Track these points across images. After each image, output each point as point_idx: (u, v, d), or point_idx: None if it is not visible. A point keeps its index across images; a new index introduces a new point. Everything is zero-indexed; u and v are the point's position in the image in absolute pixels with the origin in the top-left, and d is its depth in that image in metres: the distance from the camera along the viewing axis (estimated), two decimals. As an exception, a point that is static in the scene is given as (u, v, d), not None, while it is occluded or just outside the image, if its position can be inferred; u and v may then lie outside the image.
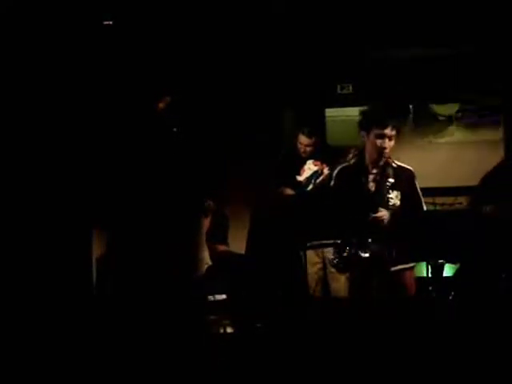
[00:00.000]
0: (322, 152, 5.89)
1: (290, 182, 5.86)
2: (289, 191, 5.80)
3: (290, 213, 4.46)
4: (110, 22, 5.79)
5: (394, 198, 4.42)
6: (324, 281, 5.59)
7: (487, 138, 6.59)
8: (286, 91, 6.52)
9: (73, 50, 5.50)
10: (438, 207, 5.44)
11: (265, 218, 4.80)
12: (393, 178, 4.41)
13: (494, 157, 5.71)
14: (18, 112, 5.30)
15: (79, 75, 5.53)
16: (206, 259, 5.41)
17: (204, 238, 5.36)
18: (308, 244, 5.26)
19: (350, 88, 6.75)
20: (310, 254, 5.56)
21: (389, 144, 4.37)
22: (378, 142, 4.37)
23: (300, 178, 5.87)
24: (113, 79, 5.71)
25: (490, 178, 4.72)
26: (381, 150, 4.37)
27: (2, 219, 5.04)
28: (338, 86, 6.75)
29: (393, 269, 4.40)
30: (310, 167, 5.84)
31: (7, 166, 5.15)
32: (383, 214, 4.34)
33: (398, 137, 4.48)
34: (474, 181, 5.07)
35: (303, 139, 5.89)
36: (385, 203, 4.38)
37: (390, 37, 6.26)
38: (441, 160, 6.53)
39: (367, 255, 4.30)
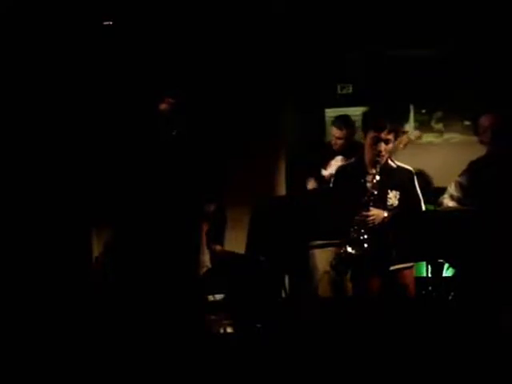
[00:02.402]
0: (352, 149, 5.57)
1: (314, 175, 5.74)
2: (312, 184, 5.69)
3: (304, 208, 4.40)
4: (110, 22, 5.80)
5: (393, 197, 4.45)
6: (337, 281, 5.47)
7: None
8: (286, 91, 6.52)
9: (73, 50, 5.52)
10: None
11: (265, 218, 4.77)
12: (392, 178, 4.44)
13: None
14: (19, 112, 5.31)
15: (80, 75, 5.54)
16: (206, 262, 5.39)
17: (204, 240, 5.34)
18: (314, 243, 5.18)
19: (350, 88, 6.74)
20: (321, 253, 5.47)
21: (385, 147, 4.39)
22: (374, 144, 4.39)
23: (325, 173, 5.73)
24: (115, 80, 5.72)
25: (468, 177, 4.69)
26: (376, 153, 4.39)
27: (2, 218, 5.05)
28: (338, 86, 6.75)
29: (392, 268, 4.41)
30: (337, 163, 5.60)
31: (7, 165, 5.17)
32: (373, 212, 4.37)
33: (396, 139, 4.50)
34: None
35: (335, 131, 5.82)
36: (383, 203, 4.41)
37: (389, 37, 6.27)
38: (440, 160, 6.51)
39: (360, 254, 4.31)
